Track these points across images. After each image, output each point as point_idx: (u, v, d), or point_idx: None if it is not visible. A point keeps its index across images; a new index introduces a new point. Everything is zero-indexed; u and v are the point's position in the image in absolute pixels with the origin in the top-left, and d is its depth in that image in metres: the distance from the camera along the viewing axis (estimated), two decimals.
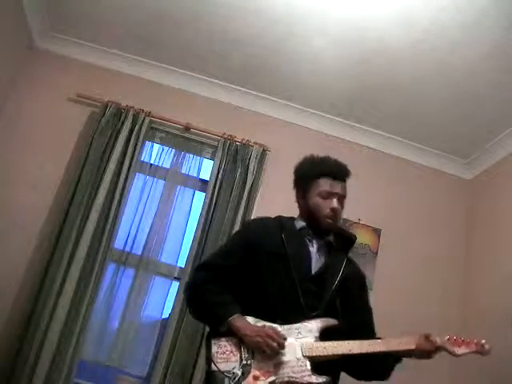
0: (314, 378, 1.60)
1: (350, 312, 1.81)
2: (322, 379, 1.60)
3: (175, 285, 3.10)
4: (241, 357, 1.65)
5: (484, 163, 3.54)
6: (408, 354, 1.73)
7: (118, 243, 3.11)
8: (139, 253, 3.11)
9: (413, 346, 1.69)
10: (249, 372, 1.61)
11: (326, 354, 1.65)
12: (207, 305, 1.81)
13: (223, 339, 1.70)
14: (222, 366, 1.62)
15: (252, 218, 2.09)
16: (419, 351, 1.70)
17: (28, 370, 2.67)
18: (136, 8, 3.00)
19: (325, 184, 1.91)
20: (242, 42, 3.08)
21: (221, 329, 1.71)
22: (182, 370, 2.83)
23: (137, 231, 3.16)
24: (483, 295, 3.17)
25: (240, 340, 1.68)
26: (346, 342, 1.68)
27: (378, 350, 1.68)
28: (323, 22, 2.77)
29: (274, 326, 1.70)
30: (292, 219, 1.99)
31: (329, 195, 1.89)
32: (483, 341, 1.68)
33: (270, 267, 1.80)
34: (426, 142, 3.61)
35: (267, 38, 3.00)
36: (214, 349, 1.68)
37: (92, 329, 2.92)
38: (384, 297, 3.21)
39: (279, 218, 1.98)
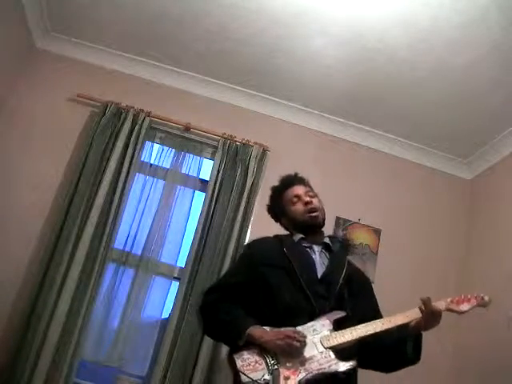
0: (341, 365, 1.67)
1: (356, 309, 1.87)
2: (348, 364, 1.68)
3: (175, 285, 3.10)
4: (267, 364, 1.68)
5: (484, 163, 3.54)
6: (417, 327, 1.80)
7: (118, 243, 3.10)
8: (139, 253, 3.10)
9: (420, 314, 1.77)
10: (278, 375, 1.64)
11: (344, 340, 1.72)
12: (222, 323, 1.86)
13: (244, 352, 1.72)
14: (252, 376, 1.65)
15: (253, 239, 2.25)
16: (427, 317, 1.77)
17: (28, 370, 2.66)
18: (136, 8, 3.00)
19: (289, 193, 2.15)
20: (242, 42, 3.08)
21: (239, 342, 1.74)
22: (181, 370, 2.83)
23: (137, 231, 3.15)
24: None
25: (261, 348, 1.71)
26: (361, 326, 1.76)
27: (391, 326, 1.77)
28: (323, 22, 2.78)
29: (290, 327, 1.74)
30: (289, 235, 2.13)
31: (296, 198, 2.12)
32: (481, 294, 1.77)
33: (277, 280, 1.88)
34: (425, 141, 3.61)
35: (267, 37, 3.00)
36: (239, 363, 1.69)
37: (92, 329, 2.91)
38: (384, 297, 3.20)
39: (277, 236, 2.11)
